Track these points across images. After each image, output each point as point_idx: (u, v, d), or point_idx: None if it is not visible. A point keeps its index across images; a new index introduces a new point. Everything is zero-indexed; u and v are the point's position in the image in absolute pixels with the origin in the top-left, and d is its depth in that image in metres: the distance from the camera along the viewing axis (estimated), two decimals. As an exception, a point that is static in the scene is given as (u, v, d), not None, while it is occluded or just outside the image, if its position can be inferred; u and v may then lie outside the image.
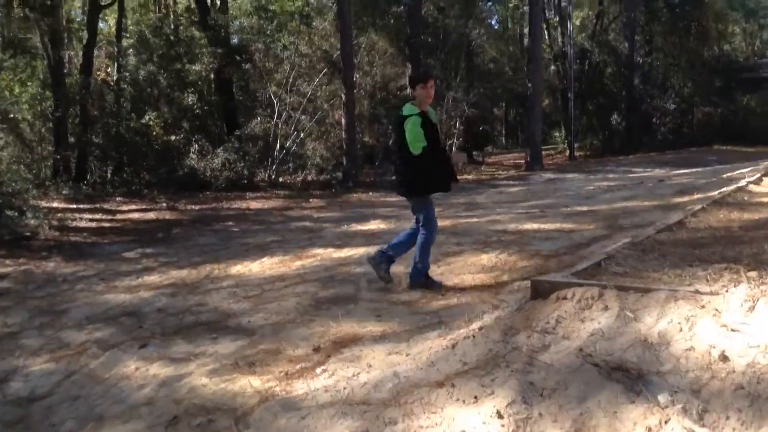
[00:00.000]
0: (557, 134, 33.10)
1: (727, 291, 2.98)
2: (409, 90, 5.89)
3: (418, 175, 5.23)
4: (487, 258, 6.27)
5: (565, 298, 3.26)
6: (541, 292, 3.40)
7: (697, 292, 3.04)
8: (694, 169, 17.04)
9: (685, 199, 9.29)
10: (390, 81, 20.81)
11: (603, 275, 3.63)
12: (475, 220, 9.08)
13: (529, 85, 19.48)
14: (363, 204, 13.68)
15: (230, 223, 11.66)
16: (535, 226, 8.04)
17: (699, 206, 6.73)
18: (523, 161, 26.72)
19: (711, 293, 3.01)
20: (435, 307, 4.82)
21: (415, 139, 5.10)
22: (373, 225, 9.59)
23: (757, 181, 8.99)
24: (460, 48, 21.60)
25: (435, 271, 5.86)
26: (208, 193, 16.26)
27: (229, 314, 5.15)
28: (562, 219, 8.52)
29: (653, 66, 29.91)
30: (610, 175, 17.41)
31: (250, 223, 11.43)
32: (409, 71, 19.95)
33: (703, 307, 2.92)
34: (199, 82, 20.28)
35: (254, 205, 14.38)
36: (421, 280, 5.48)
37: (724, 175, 12.97)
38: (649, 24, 30.09)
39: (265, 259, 7.32)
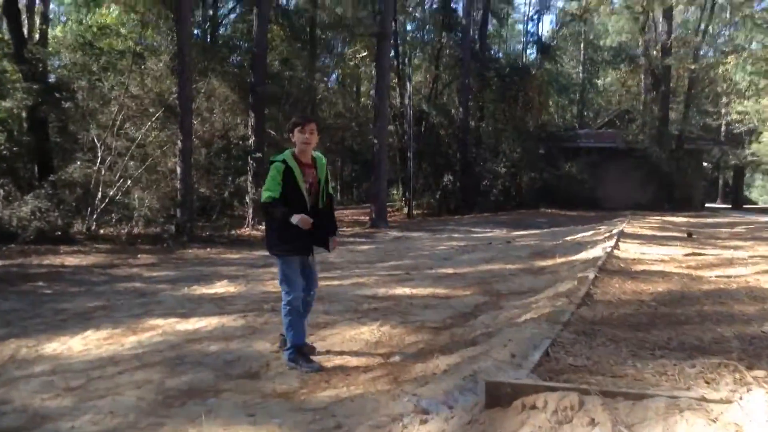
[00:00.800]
0: (395, 192, 33.40)
1: (740, 398, 2.32)
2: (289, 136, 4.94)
3: (272, 229, 4.66)
4: (367, 331, 5.38)
5: (534, 407, 2.45)
6: (498, 397, 2.56)
7: (703, 399, 2.36)
8: (531, 231, 17.49)
9: (549, 263, 9.07)
10: (230, 129, 19.63)
11: (567, 372, 2.88)
12: (336, 282, 8.18)
13: (375, 141, 19.25)
14: (202, 261, 12.31)
15: (41, 282, 9.79)
16: (406, 290, 7.31)
17: (591, 274, 6.35)
18: (364, 218, 26.50)
19: (721, 401, 2.34)
20: (323, 400, 3.83)
21: (266, 187, 4.49)
22: (220, 287, 8.35)
23: (616, 246, 8.99)
24: (305, 100, 20.99)
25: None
26: (13, 246, 13.94)
27: (43, 416, 3.79)
28: (431, 282, 7.88)
29: (485, 131, 31.32)
30: (455, 235, 17.39)
31: (67, 284, 9.66)
32: (252, 121, 18.94)
33: (715, 420, 2.24)
34: (9, 120, 17.82)
35: (71, 260, 12.43)
36: (291, 356, 4.59)
37: (567, 238, 13.22)
38: (482, 91, 31.61)
39: (89, 332, 5.87)
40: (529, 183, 30.17)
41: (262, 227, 18.99)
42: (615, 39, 45.58)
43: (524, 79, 30.76)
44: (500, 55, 40.91)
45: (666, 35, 29.71)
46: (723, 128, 38.68)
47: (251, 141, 19.05)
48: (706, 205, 35.16)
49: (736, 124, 35.67)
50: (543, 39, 37.57)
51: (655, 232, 11.86)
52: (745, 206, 35.94)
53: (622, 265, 7.33)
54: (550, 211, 27.74)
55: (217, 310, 6.64)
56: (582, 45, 46.39)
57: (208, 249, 14.36)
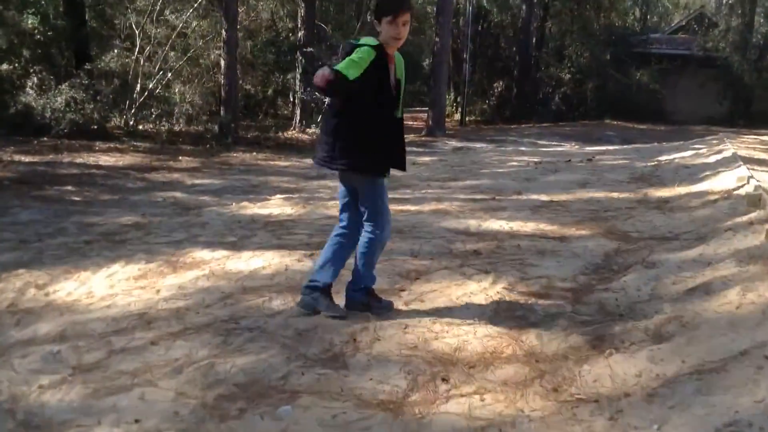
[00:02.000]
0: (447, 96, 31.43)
1: None
2: (374, 22, 3.55)
3: (373, 140, 3.42)
4: (478, 289, 4.02)
5: None
6: None
7: None
8: (606, 146, 15.75)
9: (666, 192, 7.52)
10: (280, 20, 17.88)
11: None
12: (412, 208, 6.80)
13: (437, 39, 17.36)
14: (249, 168, 11.04)
15: (70, 187, 8.67)
16: (504, 225, 5.90)
17: (745, 218, 4.86)
18: (414, 123, 24.86)
19: None
20: (452, 423, 2.53)
21: (343, 65, 3.21)
22: (274, 205, 7.06)
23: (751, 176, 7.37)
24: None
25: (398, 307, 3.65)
26: (45, 139, 12.87)
27: (36, 425, 2.58)
28: (530, 214, 6.45)
29: (550, 32, 28.83)
30: (522, 148, 15.78)
31: (98, 190, 8.52)
32: (303, 11, 17.16)
33: None
34: (43, 2, 16.35)
35: (105, 160, 11.28)
36: (363, 299, 3.67)
37: (661, 158, 11.54)
38: (549, -14, 28.85)
39: (116, 267, 4.65)
40: (595, 91, 27.83)
41: (311, 130, 17.65)
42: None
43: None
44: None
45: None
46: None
47: (301, 35, 17.34)
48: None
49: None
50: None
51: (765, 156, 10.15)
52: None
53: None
54: (616, 123, 25.62)
55: (276, 241, 5.35)
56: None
57: (254, 153, 13.07)
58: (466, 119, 26.51)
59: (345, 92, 3.27)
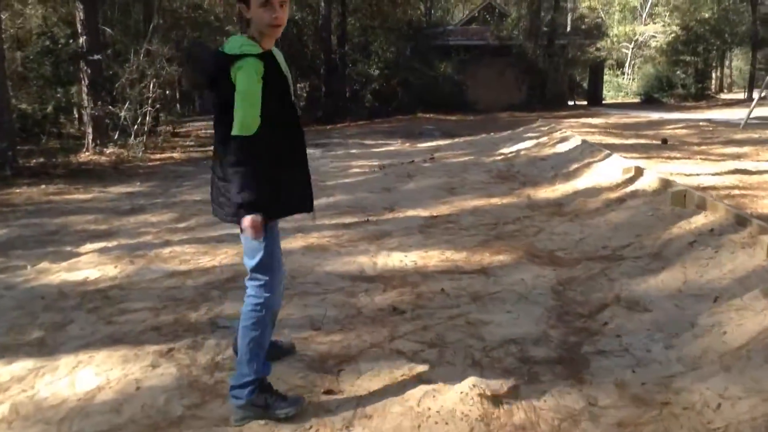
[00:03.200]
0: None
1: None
2: (239, 9, 2.67)
3: (259, 180, 2.51)
4: (443, 386, 2.77)
5: None
6: None
7: None
8: (434, 142, 15.18)
9: (547, 192, 6.79)
10: (54, 26, 15.21)
11: None
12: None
13: (244, 39, 15.73)
14: (39, 208, 8.77)
15: None
16: (403, 259, 4.70)
17: (696, 224, 4.08)
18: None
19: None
20: None
21: (251, 106, 2.44)
22: (89, 265, 5.22)
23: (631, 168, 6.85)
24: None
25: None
26: None
27: None
28: (423, 238, 5.33)
29: (353, 28, 28.22)
30: (352, 151, 14.71)
31: None
32: (82, 13, 14.68)
33: None
34: None
35: None
36: (257, 399, 2.63)
37: (505, 152, 11.08)
38: (346, -19, 28.17)
39: None
40: (403, 86, 27.69)
41: (109, 150, 15.27)
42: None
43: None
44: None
45: None
46: (569, 24, 38.15)
47: (82, 40, 14.85)
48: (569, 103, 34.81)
49: (586, 20, 35.14)
50: None
51: (614, 140, 9.98)
52: (603, 103, 36.02)
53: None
54: (429, 116, 25.59)
55: (107, 329, 3.68)
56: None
57: (43, 186, 10.65)
58: (277, 123, 25.04)
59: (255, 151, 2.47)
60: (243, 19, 2.68)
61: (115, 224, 7.34)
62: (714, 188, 5.44)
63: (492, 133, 15.43)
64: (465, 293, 3.87)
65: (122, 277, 4.76)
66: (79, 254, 5.64)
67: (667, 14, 47.22)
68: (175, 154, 15.33)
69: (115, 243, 6.11)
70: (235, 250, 5.37)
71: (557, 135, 11.11)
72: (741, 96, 34.97)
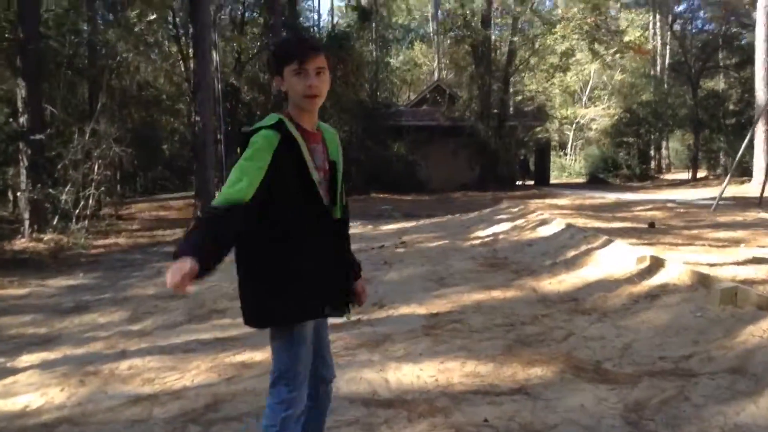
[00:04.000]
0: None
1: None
2: (274, 83, 2.39)
3: (259, 272, 2.25)
4: None
5: None
6: None
7: None
8: (396, 225, 14.55)
9: (552, 284, 6.14)
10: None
11: None
12: (256, 356, 4.53)
13: (197, 119, 15.07)
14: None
15: None
16: (420, 374, 3.91)
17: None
18: (171, 214, 22.18)
19: None
20: None
21: (233, 178, 2.09)
22: (29, 389, 4.20)
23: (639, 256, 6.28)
24: (101, 64, 16.03)
25: None
26: None
27: None
28: (433, 344, 4.56)
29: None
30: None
31: None
32: (23, 92, 13.77)
33: None
34: None
35: None
36: None
37: (480, 234, 10.52)
38: (295, 64, 28.02)
39: None
40: (357, 165, 27.33)
41: (47, 236, 14.09)
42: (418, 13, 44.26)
43: (344, 49, 27.68)
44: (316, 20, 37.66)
45: (487, 5, 28.35)
46: (511, 105, 38.94)
47: (23, 119, 13.90)
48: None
49: (528, 102, 35.92)
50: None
51: (595, 222, 9.52)
52: (551, 183, 36.48)
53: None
54: (382, 196, 25.17)
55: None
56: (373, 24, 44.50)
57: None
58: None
59: (231, 236, 2.10)
60: (281, 94, 2.35)
61: (57, 327, 6.33)
62: (749, 281, 4.88)
63: (458, 215, 14.93)
64: (516, 426, 3.09)
65: (72, 405, 3.81)
66: (15, 370, 4.64)
67: (606, 97, 49.21)
68: (120, 240, 14.24)
69: (58, 353, 5.12)
70: (208, 363, 4.48)
71: (533, 217, 10.62)
72: (684, 176, 35.95)
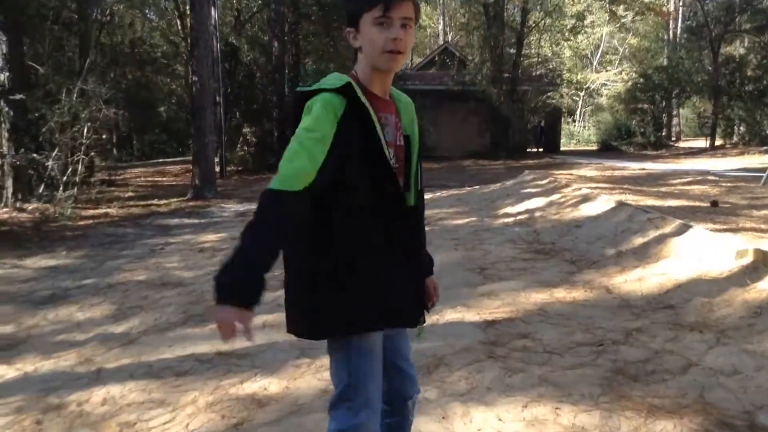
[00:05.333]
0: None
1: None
2: (347, 35, 1.87)
3: (315, 271, 1.85)
4: None
5: None
6: None
7: None
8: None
9: (626, 281, 5.05)
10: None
11: None
12: (275, 381, 3.45)
13: (195, 78, 13.83)
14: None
15: None
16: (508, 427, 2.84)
17: None
18: (168, 180, 21.11)
19: None
20: None
21: (304, 150, 1.67)
22: None
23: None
24: (90, 19, 14.72)
25: None
26: None
27: None
28: (504, 374, 3.47)
29: (310, 70, 26.57)
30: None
31: None
32: (4, 47, 12.52)
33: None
34: None
35: None
36: None
37: (509, 210, 9.41)
38: (299, 23, 26.59)
39: None
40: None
41: (31, 206, 12.96)
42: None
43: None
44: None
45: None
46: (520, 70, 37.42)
47: (4, 77, 12.67)
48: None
49: (541, 66, 34.53)
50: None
51: (646, 200, 8.39)
52: (561, 151, 35.24)
53: None
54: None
55: None
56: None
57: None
58: (226, 170, 23.08)
59: (296, 221, 1.67)
60: (354, 53, 1.89)
61: (26, 324, 5.25)
62: None
63: (477, 187, 13.80)
64: None
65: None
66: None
67: (617, 62, 47.65)
68: (111, 210, 13.10)
69: (18, 370, 4.03)
70: (207, 395, 3.40)
71: (570, 192, 9.49)
72: (697, 144, 34.72)
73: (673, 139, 39.06)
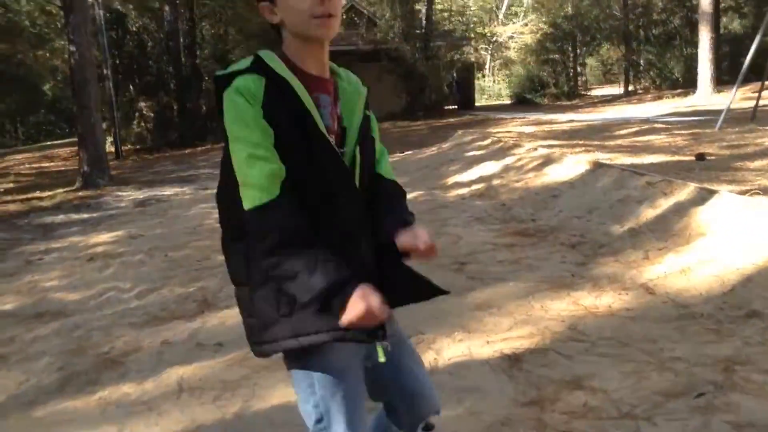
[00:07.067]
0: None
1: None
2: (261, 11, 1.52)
3: (257, 273, 1.48)
4: None
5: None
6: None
7: None
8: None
9: (672, 279, 3.84)
10: None
11: None
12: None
13: (72, 48, 11.67)
14: None
15: None
16: None
17: None
18: (56, 166, 18.79)
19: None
20: None
21: (242, 160, 1.41)
22: None
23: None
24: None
25: None
26: None
27: None
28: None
29: (208, 35, 24.33)
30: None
31: None
32: None
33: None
34: None
35: None
36: None
37: (458, 180, 8.17)
38: (190, -17, 24.20)
39: None
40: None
41: None
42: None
43: (245, -33, 24.05)
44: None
45: None
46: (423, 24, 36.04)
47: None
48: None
49: (451, 20, 33.46)
50: None
51: (621, 157, 7.29)
52: (476, 106, 34.40)
53: None
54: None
55: None
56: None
57: None
58: (122, 150, 20.80)
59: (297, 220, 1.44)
60: (273, 30, 1.55)
61: None
62: None
63: (409, 152, 12.48)
64: None
65: None
66: None
67: (522, 14, 47.19)
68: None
69: None
70: None
71: (524, 152, 8.30)
72: (608, 92, 34.70)
73: (586, 88, 38.95)
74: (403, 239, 1.51)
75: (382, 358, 1.48)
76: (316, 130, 1.44)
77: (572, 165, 6.79)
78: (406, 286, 1.58)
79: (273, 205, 1.38)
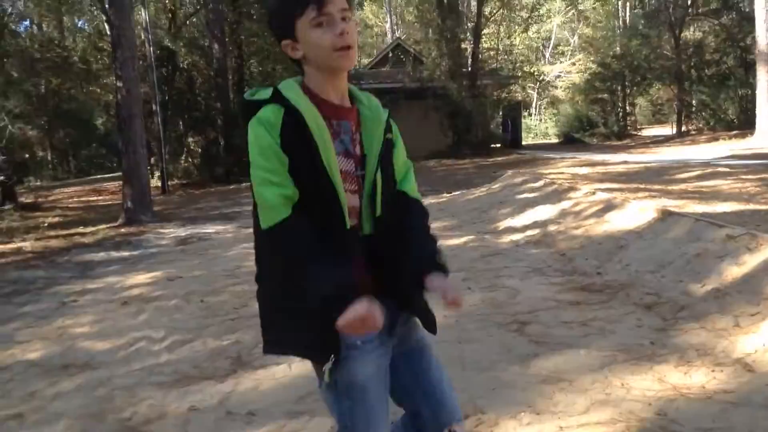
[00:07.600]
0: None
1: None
2: (284, 50, 1.67)
3: (282, 300, 1.64)
4: None
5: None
6: None
7: None
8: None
9: None
10: None
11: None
12: None
13: (119, 84, 11.69)
14: None
15: None
16: None
17: None
18: (101, 200, 18.89)
19: None
20: None
21: (267, 173, 1.55)
22: None
23: None
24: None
25: None
26: None
27: None
28: None
29: (255, 72, 24.51)
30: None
31: None
32: None
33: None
34: None
35: None
36: None
37: (509, 224, 7.71)
38: (240, 22, 24.46)
39: None
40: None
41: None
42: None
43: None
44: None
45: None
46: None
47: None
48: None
49: (500, 58, 33.20)
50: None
51: (690, 204, 6.76)
52: (523, 145, 33.91)
53: None
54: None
55: None
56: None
57: None
58: (169, 184, 20.92)
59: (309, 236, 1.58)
60: (296, 64, 1.69)
61: None
62: None
63: (456, 193, 12.08)
64: None
65: None
66: None
67: (569, 53, 46.78)
68: (26, 243, 10.91)
69: None
70: None
71: (582, 196, 7.81)
72: (658, 132, 33.86)
73: (636, 128, 38.13)
74: (435, 285, 1.56)
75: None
76: (321, 165, 1.54)
77: (637, 212, 6.29)
78: (415, 306, 1.70)
79: (284, 225, 1.50)
